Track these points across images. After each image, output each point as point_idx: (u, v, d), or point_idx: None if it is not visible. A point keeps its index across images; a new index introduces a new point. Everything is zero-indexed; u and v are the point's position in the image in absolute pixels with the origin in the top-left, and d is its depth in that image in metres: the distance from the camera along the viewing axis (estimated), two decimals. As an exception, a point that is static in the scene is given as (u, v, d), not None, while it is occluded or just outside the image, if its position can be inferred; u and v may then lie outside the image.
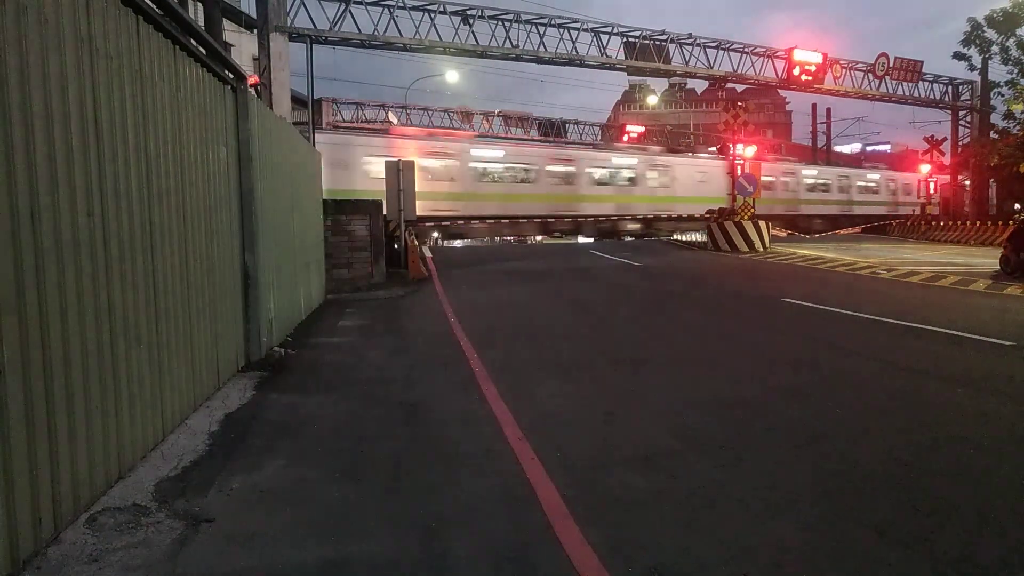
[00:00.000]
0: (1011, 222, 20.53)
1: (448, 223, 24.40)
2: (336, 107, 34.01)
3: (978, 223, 26.88)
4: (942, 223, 29.57)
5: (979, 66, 29.81)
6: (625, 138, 36.88)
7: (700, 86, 64.92)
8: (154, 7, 3.95)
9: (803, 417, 4.52)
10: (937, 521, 3.00)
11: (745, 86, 32.73)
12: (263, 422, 4.45)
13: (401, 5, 20.33)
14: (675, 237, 27.49)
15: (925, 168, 32.92)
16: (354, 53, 22.35)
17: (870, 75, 28.55)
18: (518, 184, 25.65)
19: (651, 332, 8.05)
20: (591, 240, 27.36)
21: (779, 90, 40.90)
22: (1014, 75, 27.22)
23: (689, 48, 24.96)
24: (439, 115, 37.16)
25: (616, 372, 5.94)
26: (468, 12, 21.18)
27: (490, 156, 25.49)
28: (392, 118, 35.20)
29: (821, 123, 49.40)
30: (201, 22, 11.63)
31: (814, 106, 49.17)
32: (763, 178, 31.89)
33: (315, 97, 21.44)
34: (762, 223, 20.67)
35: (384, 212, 13.73)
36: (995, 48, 27.96)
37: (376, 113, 35.42)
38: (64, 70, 2.95)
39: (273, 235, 6.74)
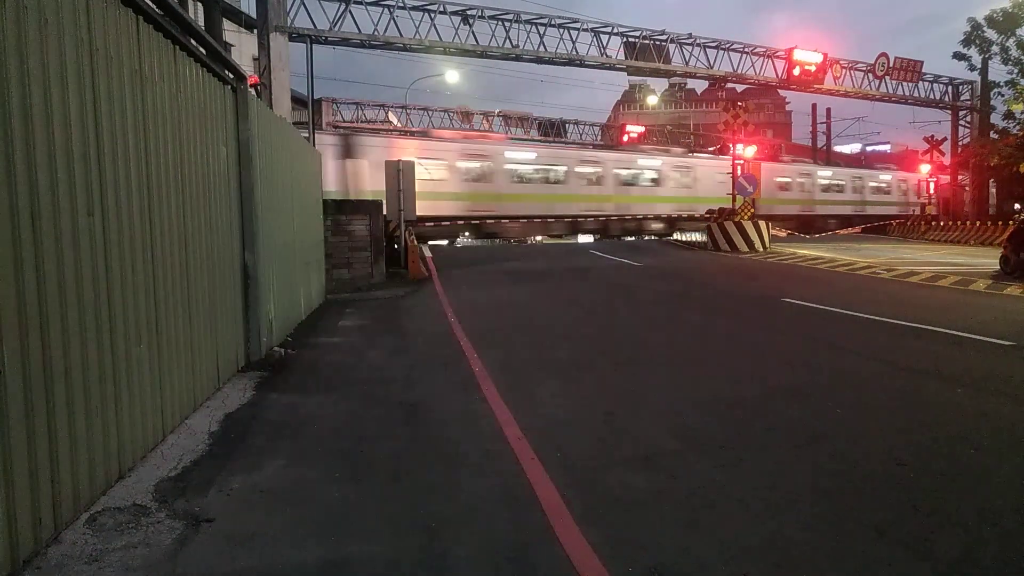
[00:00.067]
0: (1011, 222, 20.53)
1: (480, 222, 25.11)
2: (336, 107, 33.99)
3: (978, 223, 26.88)
4: (942, 223, 29.58)
5: (979, 66, 29.80)
6: (625, 138, 36.88)
7: (700, 86, 64.96)
8: (154, 7, 3.95)
9: (803, 417, 4.52)
10: (937, 521, 3.01)
11: (745, 86, 32.79)
12: (263, 422, 4.45)
13: (401, 5, 20.33)
14: (675, 237, 27.57)
15: (928, 168, 32.93)
16: (354, 53, 22.35)
17: (870, 75, 28.53)
18: (549, 185, 26.46)
19: (651, 332, 8.05)
20: (591, 240, 27.49)
21: (779, 90, 40.95)
22: (1014, 75, 27.22)
23: (689, 48, 24.95)
24: (439, 115, 37.13)
25: (616, 372, 5.94)
26: (468, 12, 21.17)
27: (523, 158, 26.28)
28: (392, 118, 35.18)
29: (821, 123, 49.43)
30: (201, 22, 11.63)
31: (814, 106, 49.20)
32: (780, 179, 33.44)
33: (315, 97, 21.43)
34: (762, 223, 20.66)
35: (384, 212, 13.74)
36: (995, 48, 27.97)
37: (376, 113, 35.39)
38: (64, 70, 2.95)
39: (273, 235, 6.74)
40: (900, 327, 7.82)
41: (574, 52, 22.95)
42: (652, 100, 68.08)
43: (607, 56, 23.65)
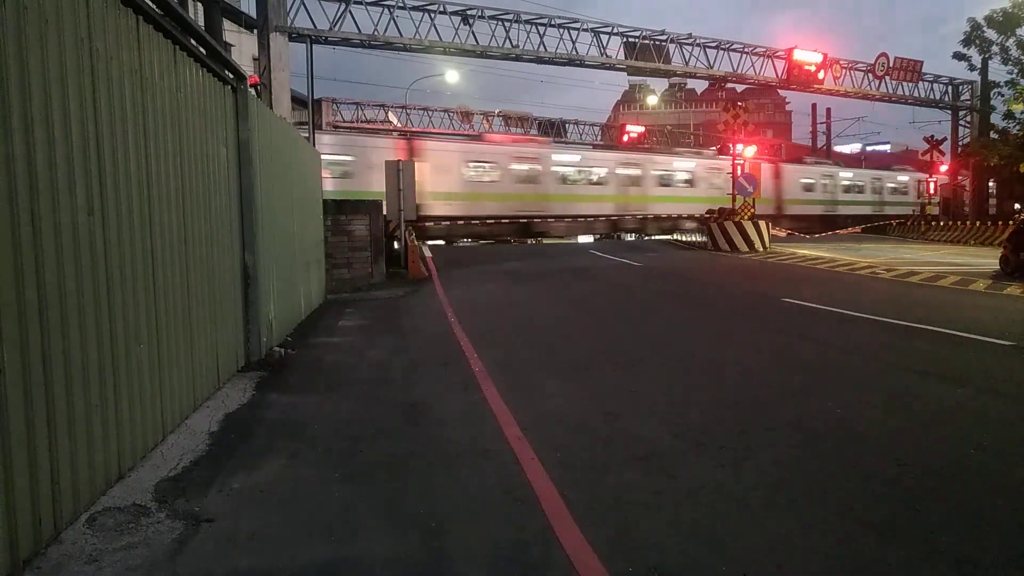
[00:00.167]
0: (1011, 222, 20.54)
1: (528, 221, 26.14)
2: (336, 107, 34.00)
3: (978, 223, 26.88)
4: (942, 223, 29.58)
5: (979, 66, 29.80)
6: (625, 138, 37.01)
7: (700, 86, 64.98)
8: (154, 7, 3.95)
9: (803, 417, 4.52)
10: (937, 521, 3.01)
11: (745, 86, 32.90)
12: (263, 422, 4.45)
13: (401, 5, 20.33)
14: (675, 237, 27.67)
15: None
16: (354, 53, 22.38)
17: (870, 75, 28.54)
18: (592, 186, 27.61)
19: (650, 332, 8.05)
20: (591, 240, 27.64)
21: (779, 90, 41.06)
22: (1014, 75, 27.21)
23: (689, 48, 24.95)
24: (439, 115, 37.14)
25: (616, 372, 5.94)
26: (468, 12, 21.17)
27: (568, 161, 27.48)
28: (392, 118, 35.21)
29: (821, 123, 49.47)
30: (201, 22, 11.63)
31: (814, 106, 49.27)
32: (804, 180, 34.76)
33: (315, 97, 21.44)
34: (762, 223, 20.66)
35: (384, 212, 13.74)
36: (995, 48, 27.96)
37: (376, 113, 35.40)
38: (64, 70, 2.95)
39: (273, 235, 6.74)
40: (900, 327, 7.82)
41: (574, 52, 22.95)
42: (652, 100, 68.06)
43: (607, 56, 23.65)
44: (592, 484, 3.43)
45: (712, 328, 8.30)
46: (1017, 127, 28.00)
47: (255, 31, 19.89)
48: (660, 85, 60.24)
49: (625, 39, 23.79)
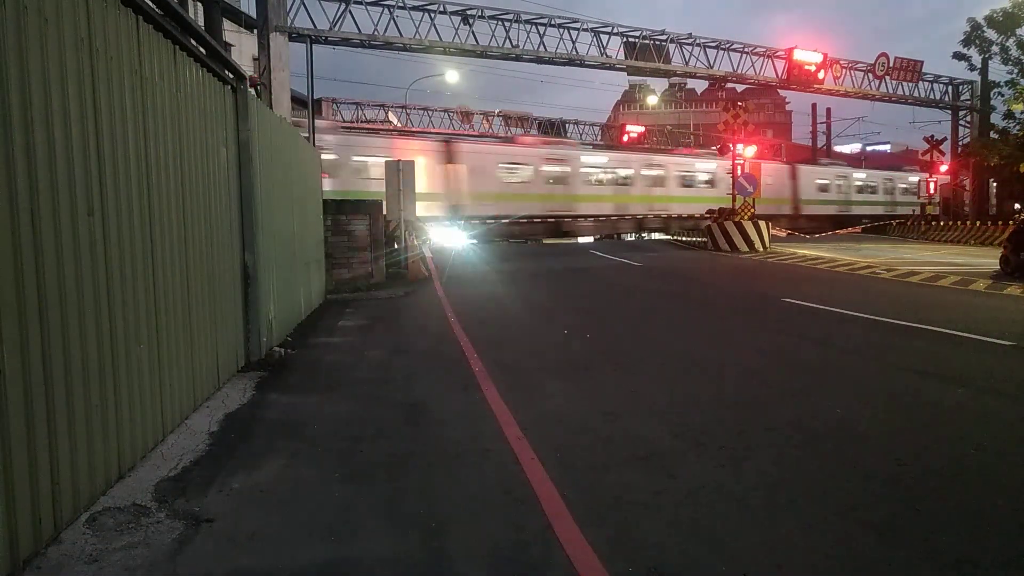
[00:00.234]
0: (1011, 222, 20.54)
1: (557, 221, 27.14)
2: (336, 107, 34.00)
3: (978, 223, 26.88)
4: (942, 223, 29.58)
5: (979, 66, 29.80)
6: (625, 138, 37.13)
7: (700, 86, 64.96)
8: (154, 7, 3.95)
9: (803, 417, 4.52)
10: (937, 521, 3.01)
11: (745, 86, 32.99)
12: (263, 422, 4.45)
13: (401, 5, 20.33)
14: (674, 237, 27.75)
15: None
16: (354, 53, 22.40)
17: (870, 75, 28.54)
18: (618, 187, 28.76)
19: (650, 332, 8.05)
20: (591, 240, 27.74)
21: (779, 90, 41.17)
22: (1014, 75, 27.21)
23: (689, 48, 24.95)
24: (439, 115, 37.13)
25: (615, 371, 5.94)
26: (468, 12, 21.18)
27: (596, 162, 28.72)
28: (392, 118, 35.21)
29: (821, 123, 49.44)
30: (201, 22, 11.63)
31: (814, 106, 49.21)
32: (819, 181, 35.99)
33: (315, 97, 21.45)
34: (762, 223, 20.66)
35: (384, 212, 13.75)
36: (995, 48, 27.97)
37: (376, 113, 35.41)
38: (64, 70, 2.95)
39: (273, 235, 6.74)
40: (900, 327, 7.82)
41: (574, 52, 22.96)
42: (652, 100, 68.03)
43: (607, 56, 23.65)
44: (592, 484, 3.43)
45: (712, 328, 8.30)
46: (1017, 127, 28.01)
47: (255, 31, 19.90)
48: (660, 85, 60.24)
49: (625, 39, 23.79)
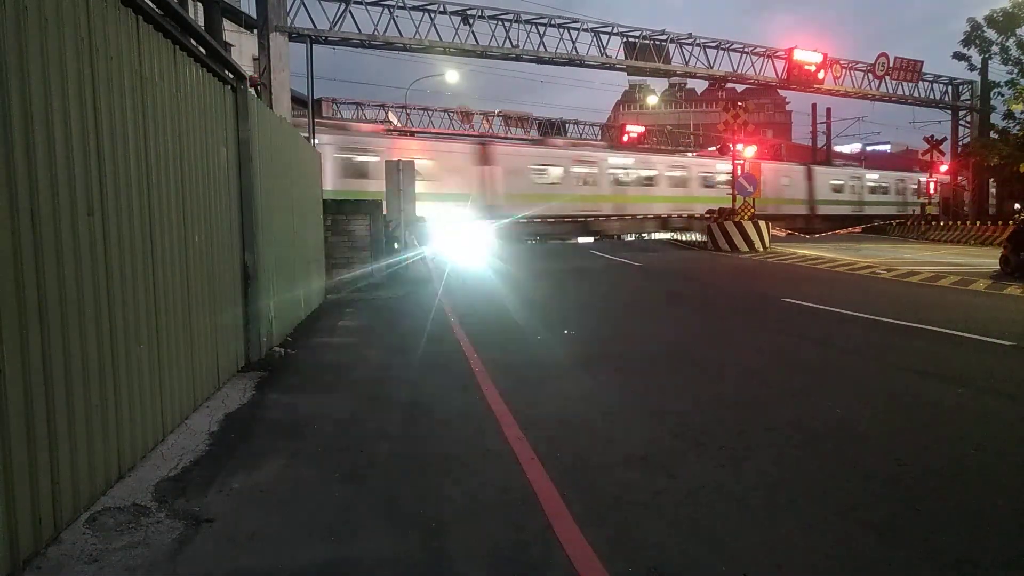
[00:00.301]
0: (1011, 222, 20.55)
1: (586, 220, 28.19)
2: (336, 107, 34.01)
3: (978, 223, 26.87)
4: (942, 223, 29.58)
5: (979, 66, 29.80)
6: (625, 138, 37.23)
7: (700, 86, 64.96)
8: (154, 7, 3.95)
9: (803, 417, 4.52)
10: (937, 521, 3.01)
11: (745, 86, 33.11)
12: (263, 422, 4.45)
13: (401, 5, 20.33)
14: (674, 237, 27.85)
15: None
16: (354, 53, 22.42)
17: (870, 75, 28.54)
18: (643, 187, 29.78)
19: (650, 332, 8.05)
20: (591, 240, 27.84)
21: (779, 90, 41.29)
22: (1014, 75, 27.20)
23: (689, 48, 24.95)
24: (439, 115, 37.14)
25: (615, 372, 5.94)
26: (468, 12, 21.18)
27: (622, 164, 29.68)
28: (392, 118, 35.22)
29: (821, 123, 49.38)
30: (201, 22, 11.63)
31: (814, 106, 49.15)
32: (834, 182, 37.18)
33: (315, 97, 21.46)
34: (762, 223, 20.66)
35: (384, 212, 13.74)
36: (995, 48, 27.96)
37: (376, 113, 35.42)
38: (64, 70, 2.95)
39: (273, 235, 6.74)
40: (900, 327, 7.82)
41: (574, 52, 22.96)
42: (652, 100, 68.05)
43: (607, 56, 23.65)
44: (592, 484, 3.43)
45: (712, 328, 8.30)
46: (1017, 127, 28.01)
47: (255, 31, 19.90)
48: (660, 85, 60.25)
49: (625, 39, 23.79)
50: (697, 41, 24.99)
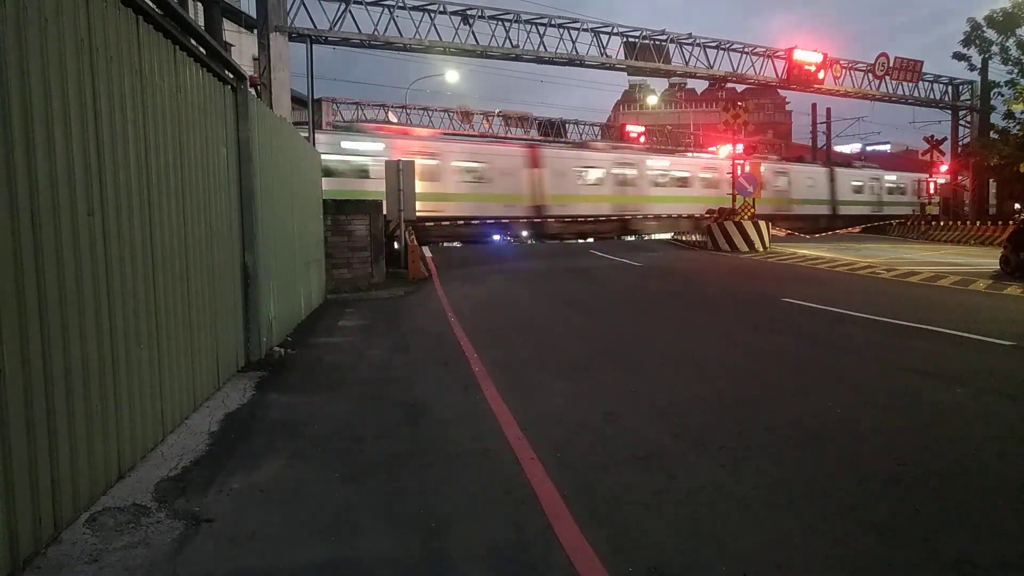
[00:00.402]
0: (1011, 222, 20.54)
1: (623, 220, 29.08)
2: (336, 107, 33.99)
3: (978, 223, 26.87)
4: (942, 223, 29.57)
5: (979, 66, 29.79)
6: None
7: (700, 86, 65.00)
8: (154, 7, 3.95)
9: (803, 417, 4.52)
10: (937, 521, 3.01)
11: (745, 86, 33.15)
12: (263, 422, 4.45)
13: (401, 5, 20.32)
14: (674, 237, 27.89)
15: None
16: (354, 53, 22.43)
17: (870, 75, 28.52)
18: (678, 188, 30.73)
19: (650, 332, 8.05)
20: (591, 240, 27.90)
21: (779, 90, 41.37)
22: (1014, 75, 27.21)
23: (689, 48, 24.94)
24: (439, 115, 37.11)
25: (615, 371, 5.94)
26: (468, 12, 21.16)
27: (659, 166, 30.79)
28: (392, 118, 35.18)
29: (821, 123, 49.33)
30: (201, 22, 11.63)
31: (814, 106, 49.08)
32: (854, 183, 38.10)
33: (315, 97, 21.45)
34: (762, 223, 20.66)
35: (384, 212, 13.76)
36: (995, 48, 27.96)
37: (376, 113, 35.38)
38: (64, 70, 2.95)
39: (273, 235, 6.74)
40: (900, 327, 7.82)
41: (574, 52, 22.94)
42: (652, 100, 68.06)
43: (607, 56, 23.64)
44: (592, 484, 3.43)
45: (712, 328, 8.30)
46: (1017, 127, 28.01)
47: (255, 31, 19.89)
48: (660, 85, 60.30)
49: (625, 39, 23.78)
50: (697, 41, 24.98)
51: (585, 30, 23.09)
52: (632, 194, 29.21)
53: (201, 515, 3.04)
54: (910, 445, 3.98)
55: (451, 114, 37.48)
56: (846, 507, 3.14)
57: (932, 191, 33.18)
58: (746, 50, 25.87)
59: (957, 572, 2.59)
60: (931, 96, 30.93)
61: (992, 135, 30.27)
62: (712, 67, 25.42)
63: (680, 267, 15.98)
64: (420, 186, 23.16)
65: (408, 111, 36.20)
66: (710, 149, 40.43)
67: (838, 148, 56.27)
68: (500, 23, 21.79)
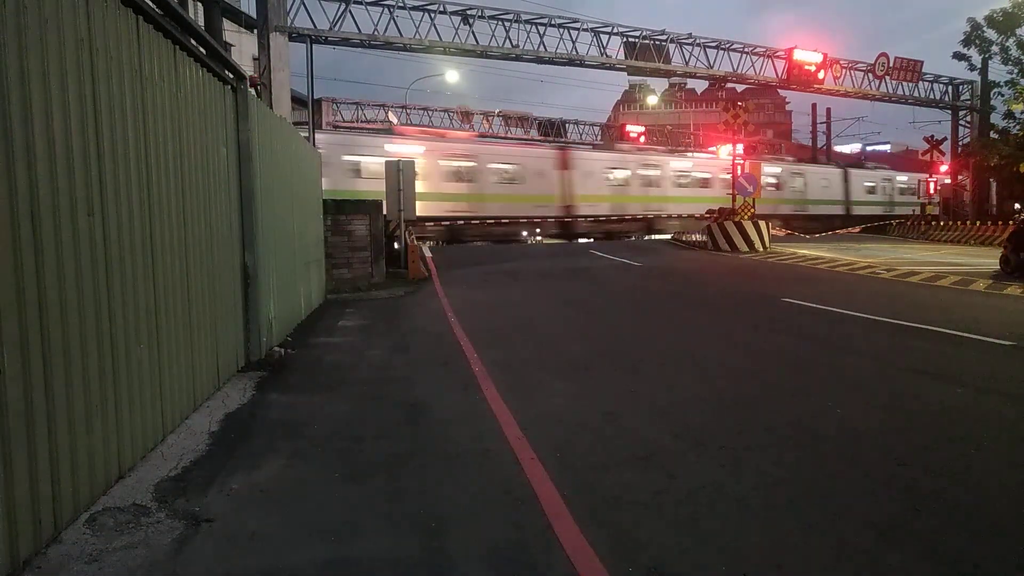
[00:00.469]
0: (1011, 222, 20.53)
1: (648, 219, 30.01)
2: (336, 107, 33.98)
3: (978, 223, 26.86)
4: (942, 223, 29.57)
5: (979, 66, 29.78)
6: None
7: (700, 86, 65.01)
8: (154, 7, 3.95)
9: (803, 417, 4.52)
10: (937, 521, 3.01)
11: (745, 86, 33.17)
12: (263, 422, 4.45)
13: (401, 5, 20.32)
14: (674, 236, 27.90)
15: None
16: (354, 53, 22.44)
17: (870, 75, 28.53)
18: (700, 188, 31.75)
19: (650, 332, 8.05)
20: (591, 240, 27.92)
21: (779, 90, 41.45)
22: (1014, 75, 27.20)
23: (689, 48, 24.94)
24: (439, 115, 37.11)
25: (615, 371, 5.94)
26: (468, 12, 21.17)
27: (682, 167, 31.82)
28: (392, 118, 35.18)
29: (821, 123, 49.33)
30: (201, 22, 11.63)
31: (814, 106, 49.09)
32: (867, 183, 38.99)
33: (315, 97, 21.46)
34: (762, 223, 20.65)
35: (384, 212, 13.76)
36: (995, 48, 27.95)
37: (376, 113, 35.39)
38: (64, 70, 2.95)
39: (273, 235, 6.74)
40: (900, 327, 7.82)
41: (574, 52, 22.95)
42: (652, 100, 68.07)
43: (607, 56, 23.65)
44: (592, 484, 3.43)
45: (712, 328, 8.30)
46: (1017, 127, 28.01)
47: (255, 31, 19.89)
48: (660, 85, 60.31)
49: (625, 39, 23.79)
50: (697, 41, 24.98)
51: (585, 30, 23.10)
52: (656, 194, 30.05)
53: (201, 515, 3.04)
54: (910, 445, 3.98)
55: (451, 114, 37.48)
56: (846, 507, 3.14)
57: (932, 191, 33.18)
58: (746, 50, 25.87)
59: (957, 572, 2.59)
60: (931, 96, 30.93)
61: (992, 135, 30.27)
62: (712, 67, 25.43)
63: (680, 267, 15.99)
64: (458, 187, 24.33)
65: (408, 111, 36.20)
66: (709, 149, 40.50)
67: (838, 148, 56.28)
68: (500, 23, 21.80)
